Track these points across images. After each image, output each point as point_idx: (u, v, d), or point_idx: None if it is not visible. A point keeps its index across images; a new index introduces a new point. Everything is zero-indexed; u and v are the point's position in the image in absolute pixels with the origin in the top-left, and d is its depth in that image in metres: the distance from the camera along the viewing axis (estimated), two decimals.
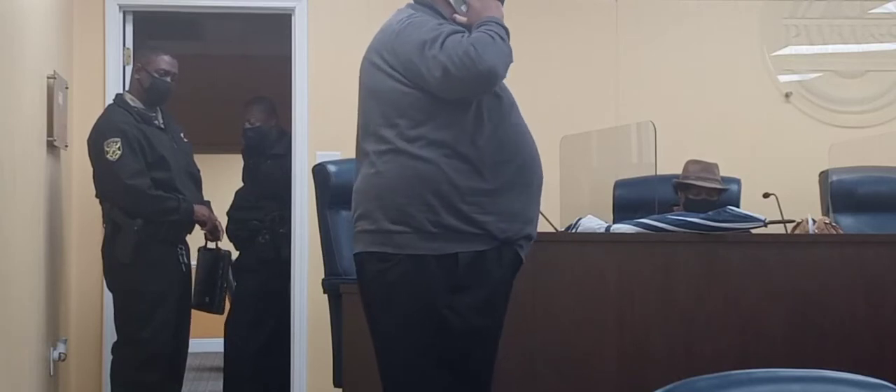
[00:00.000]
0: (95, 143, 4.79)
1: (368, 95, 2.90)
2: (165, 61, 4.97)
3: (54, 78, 4.64)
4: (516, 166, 2.86)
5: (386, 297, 2.84)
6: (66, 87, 4.95)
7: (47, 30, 4.70)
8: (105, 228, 4.85)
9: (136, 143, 4.77)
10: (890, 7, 6.07)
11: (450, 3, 2.94)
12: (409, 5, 3.00)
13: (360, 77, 2.97)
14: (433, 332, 2.81)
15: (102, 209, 4.87)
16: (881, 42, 6.03)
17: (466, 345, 2.84)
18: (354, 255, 2.93)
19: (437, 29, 2.79)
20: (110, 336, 5.18)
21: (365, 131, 2.90)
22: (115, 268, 4.79)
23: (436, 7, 2.94)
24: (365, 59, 2.95)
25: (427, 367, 2.83)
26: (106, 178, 4.78)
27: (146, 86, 4.93)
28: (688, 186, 4.99)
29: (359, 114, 2.96)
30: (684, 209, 4.87)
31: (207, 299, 5.24)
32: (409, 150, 2.78)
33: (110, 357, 4.97)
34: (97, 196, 4.89)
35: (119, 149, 4.72)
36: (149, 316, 4.76)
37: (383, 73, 2.84)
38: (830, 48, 6.02)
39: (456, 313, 2.81)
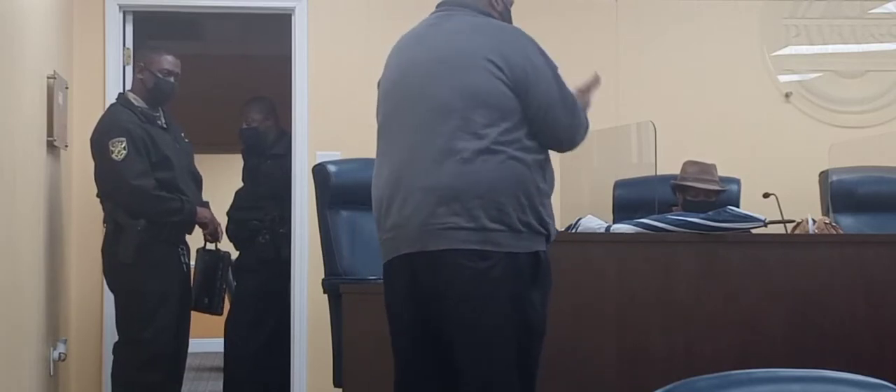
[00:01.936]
0: (99, 143, 4.77)
1: (469, 95, 2.90)
2: (169, 61, 4.96)
3: (54, 78, 4.64)
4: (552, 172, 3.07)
5: (489, 294, 2.89)
6: (66, 87, 4.95)
7: (47, 30, 4.70)
8: (106, 228, 4.83)
9: (140, 143, 4.74)
10: (890, 7, 6.07)
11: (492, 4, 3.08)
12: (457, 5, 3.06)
13: (437, 72, 2.95)
14: (522, 330, 2.93)
15: (104, 209, 4.85)
16: (881, 42, 6.02)
17: (539, 341, 2.98)
18: (440, 252, 2.88)
19: (564, 86, 3.03)
20: (110, 336, 5.18)
21: (457, 128, 2.88)
22: (117, 268, 4.77)
23: (479, 6, 3.06)
24: (467, 56, 2.93)
25: (513, 365, 2.93)
26: (110, 178, 4.75)
27: (149, 86, 4.92)
28: (686, 188, 4.98)
29: (431, 109, 2.92)
30: (683, 210, 4.86)
31: (206, 300, 5.23)
32: (507, 151, 2.89)
33: (111, 357, 4.97)
34: (99, 195, 4.88)
35: (124, 148, 4.69)
36: (151, 316, 4.75)
37: (494, 76, 2.91)
38: (830, 48, 6.02)
39: (535, 310, 2.95)
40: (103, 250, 4.85)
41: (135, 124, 4.78)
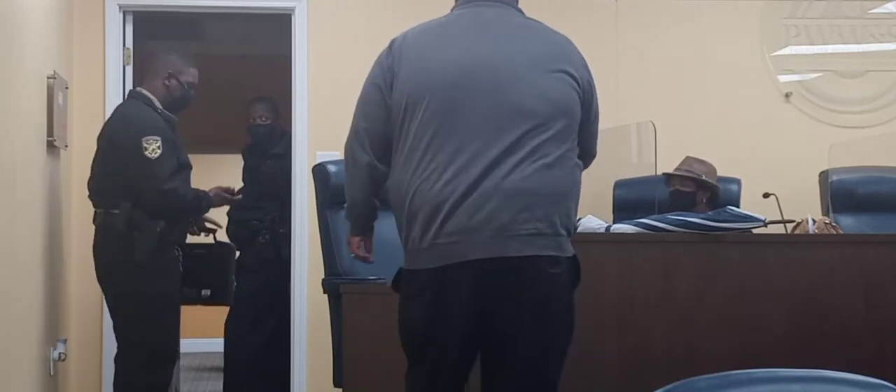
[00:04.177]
0: (131, 139, 4.60)
1: (551, 102, 2.91)
2: (194, 74, 4.89)
3: (54, 78, 4.64)
4: None
5: (562, 299, 2.92)
6: (66, 87, 4.95)
7: (47, 30, 4.70)
8: (105, 228, 4.65)
9: (170, 144, 4.66)
10: (890, 7, 6.07)
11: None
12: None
13: (522, 74, 2.93)
14: (571, 332, 2.99)
15: (102, 206, 4.67)
16: (881, 42, 6.03)
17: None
18: (523, 257, 2.84)
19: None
20: (111, 336, 5.18)
21: (540, 134, 2.87)
22: (128, 269, 4.60)
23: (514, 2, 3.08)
24: (544, 63, 2.94)
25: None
26: (142, 175, 4.59)
27: (176, 95, 4.82)
28: (670, 177, 5.03)
29: (511, 113, 2.88)
30: (669, 200, 4.88)
31: (207, 293, 5.19)
32: (573, 158, 2.99)
33: (111, 357, 4.94)
34: (95, 193, 4.72)
35: (159, 147, 4.57)
36: (161, 318, 4.68)
37: (571, 87, 2.98)
38: (830, 48, 6.02)
39: (575, 311, 3.00)
40: (102, 252, 4.68)
41: (163, 125, 4.71)
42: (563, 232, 2.91)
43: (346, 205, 3.18)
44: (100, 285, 4.78)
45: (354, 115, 3.03)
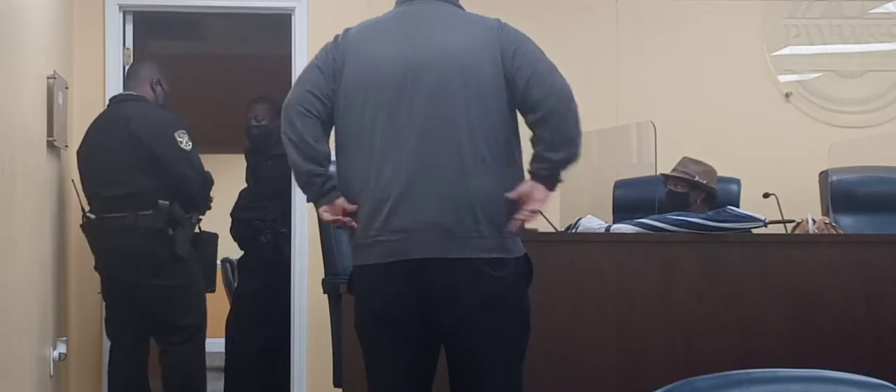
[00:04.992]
0: (166, 134, 4.77)
1: (488, 97, 2.91)
2: (167, 81, 5.08)
3: (54, 78, 4.64)
4: None
5: (506, 300, 2.92)
6: (66, 87, 4.95)
7: (47, 30, 4.70)
8: (145, 228, 4.70)
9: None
10: (890, 7, 6.07)
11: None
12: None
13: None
14: (525, 330, 3.00)
15: (138, 209, 4.70)
16: (881, 42, 6.02)
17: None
18: (462, 259, 2.84)
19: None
20: None
21: (477, 132, 2.87)
22: (172, 263, 4.76)
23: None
24: (475, 54, 2.91)
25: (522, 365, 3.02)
26: (182, 166, 4.78)
27: (161, 101, 5.00)
28: (667, 178, 5.03)
29: (447, 112, 2.89)
30: (666, 200, 4.88)
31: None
32: (513, 155, 2.96)
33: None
34: (137, 196, 4.72)
35: (190, 139, 4.80)
36: (200, 304, 4.98)
37: (499, 70, 2.92)
38: (830, 48, 6.02)
39: (530, 310, 3.01)
40: (138, 252, 4.72)
41: None
42: (506, 232, 2.87)
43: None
44: (128, 287, 4.81)
45: (290, 93, 3.04)
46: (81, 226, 4.89)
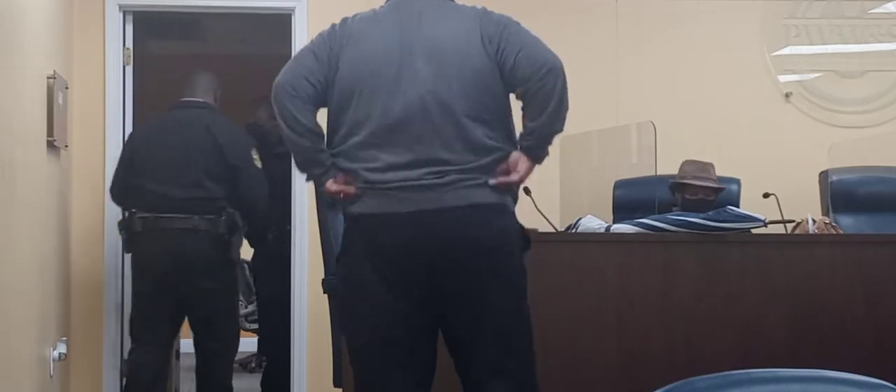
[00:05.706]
0: (245, 152, 5.04)
1: (481, 91, 2.98)
2: None
3: (54, 78, 4.64)
4: None
5: (513, 245, 3.00)
6: (66, 87, 4.95)
7: (47, 30, 4.70)
8: (209, 231, 4.84)
9: None
10: (890, 7, 6.07)
11: None
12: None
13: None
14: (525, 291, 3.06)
15: (204, 212, 4.85)
16: (881, 42, 6.02)
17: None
18: (471, 206, 2.91)
19: None
20: (111, 336, 5.19)
21: (474, 120, 2.95)
22: (226, 266, 5.00)
23: None
24: (473, 48, 2.97)
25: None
26: (253, 181, 5.02)
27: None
28: (684, 186, 4.99)
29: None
30: (682, 210, 4.86)
31: None
32: (505, 149, 3.04)
33: (111, 357, 4.98)
34: (208, 201, 4.86)
35: (259, 158, 5.08)
36: (237, 307, 5.39)
37: (490, 60, 3.00)
38: (830, 48, 6.01)
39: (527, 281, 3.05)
40: (200, 254, 4.85)
41: None
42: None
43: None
44: (180, 286, 4.86)
45: (281, 74, 3.06)
46: (120, 222, 4.93)
